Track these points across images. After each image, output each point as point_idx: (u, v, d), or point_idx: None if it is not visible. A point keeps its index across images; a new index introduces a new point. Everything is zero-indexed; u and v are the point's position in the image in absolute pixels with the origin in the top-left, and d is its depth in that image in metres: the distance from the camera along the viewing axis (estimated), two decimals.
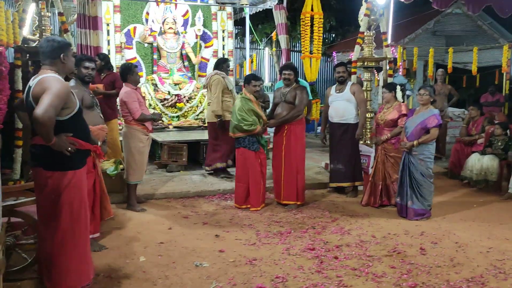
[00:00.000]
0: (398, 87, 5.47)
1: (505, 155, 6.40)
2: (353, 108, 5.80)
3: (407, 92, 8.80)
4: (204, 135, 7.63)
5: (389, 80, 6.88)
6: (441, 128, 8.39)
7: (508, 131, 6.59)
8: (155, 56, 9.49)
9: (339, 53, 13.24)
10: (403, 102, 5.62)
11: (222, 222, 4.95)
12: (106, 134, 4.35)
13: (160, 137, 7.30)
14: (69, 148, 2.91)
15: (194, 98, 9.08)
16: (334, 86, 6.05)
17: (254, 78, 5.52)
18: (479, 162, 6.41)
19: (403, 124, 5.32)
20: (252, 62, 11.83)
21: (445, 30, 11.77)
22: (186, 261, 3.82)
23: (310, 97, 6.79)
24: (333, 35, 15.75)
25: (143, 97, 5.38)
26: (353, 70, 6.71)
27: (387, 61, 7.10)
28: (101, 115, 4.36)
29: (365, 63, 6.68)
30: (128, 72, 5.19)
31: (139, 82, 5.32)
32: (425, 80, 13.85)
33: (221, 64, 6.71)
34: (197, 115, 9.02)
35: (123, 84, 5.24)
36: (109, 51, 9.11)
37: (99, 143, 4.09)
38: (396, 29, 11.00)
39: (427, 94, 5.03)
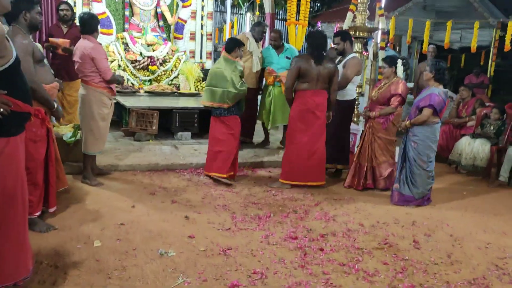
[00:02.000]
0: (400, 62, 4.95)
1: (497, 139, 6.06)
2: None
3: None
4: (178, 102, 7.01)
5: (381, 53, 6.37)
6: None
7: (504, 116, 6.23)
8: (127, 13, 8.64)
9: (324, 24, 12.62)
10: (404, 79, 5.10)
11: (193, 201, 4.42)
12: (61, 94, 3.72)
13: (128, 102, 6.62)
14: (1, 110, 2.28)
15: (169, 62, 8.36)
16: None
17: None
18: (470, 146, 6.04)
19: (396, 105, 4.86)
20: (232, 27, 11.09)
21: (435, 5, 11.28)
22: (149, 248, 3.30)
23: None
24: (318, 4, 15.07)
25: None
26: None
27: (379, 32, 6.57)
28: (52, 71, 3.69)
29: (357, 32, 6.13)
30: (97, 22, 4.47)
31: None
32: (409, 56, 13.45)
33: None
34: (171, 80, 8.33)
35: (83, 36, 4.50)
36: (75, 3, 8.21)
37: (55, 104, 3.49)
38: (386, 1, 10.44)
39: (426, 70, 4.54)
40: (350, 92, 5.29)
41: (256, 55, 6.14)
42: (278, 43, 6.16)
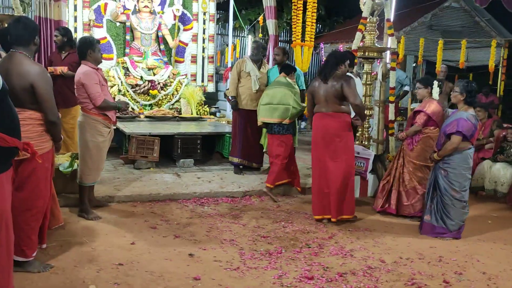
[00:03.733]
0: (436, 83, 4.64)
1: None
2: None
3: (405, 88, 8.06)
4: (179, 128, 6.72)
5: (392, 74, 6.09)
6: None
7: None
8: (127, 37, 8.48)
9: (327, 45, 12.45)
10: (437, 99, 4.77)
11: (197, 235, 4.07)
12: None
13: (128, 127, 6.35)
14: None
15: (170, 86, 8.14)
16: None
17: None
18: (490, 170, 5.72)
19: (419, 123, 4.57)
20: (234, 49, 10.91)
21: (442, 24, 11.12)
22: None
23: (304, 87, 5.99)
24: (320, 25, 14.94)
25: (106, 81, 4.42)
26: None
27: (389, 52, 6.31)
28: None
29: (367, 53, 5.87)
30: (89, 47, 4.22)
31: (101, 62, 4.37)
32: (414, 77, 13.24)
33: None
34: (172, 104, 8.09)
35: (81, 62, 4.27)
36: (75, 28, 8.08)
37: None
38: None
39: (456, 91, 4.23)
40: None
41: (254, 75, 5.92)
42: (281, 59, 5.97)
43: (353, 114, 4.79)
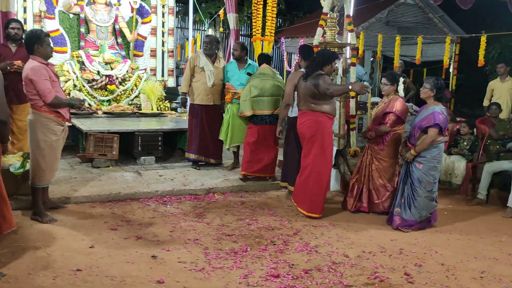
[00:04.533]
0: (401, 79, 4.71)
1: (472, 156, 5.96)
2: None
3: (365, 83, 8.18)
4: (140, 124, 6.55)
5: (352, 69, 6.16)
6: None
7: (474, 130, 6.15)
8: (82, 30, 8.13)
9: (288, 39, 12.47)
10: (403, 96, 4.86)
11: (160, 235, 3.97)
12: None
13: (85, 124, 6.11)
14: None
15: (129, 80, 7.89)
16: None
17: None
18: (445, 163, 5.91)
19: (389, 124, 4.62)
20: (195, 43, 10.74)
21: (398, 20, 11.39)
22: None
23: None
24: (281, 20, 14.98)
25: (57, 76, 4.20)
26: None
27: (349, 47, 6.38)
28: None
29: (328, 48, 5.90)
30: (36, 41, 3.99)
31: (51, 56, 4.15)
32: (372, 71, 13.52)
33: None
34: (132, 100, 7.85)
35: (29, 57, 4.04)
36: (25, 20, 7.65)
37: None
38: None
39: (427, 88, 4.31)
40: (296, 109, 5.01)
41: (208, 70, 5.84)
42: (239, 55, 5.89)
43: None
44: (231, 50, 5.95)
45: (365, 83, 8.20)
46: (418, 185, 4.32)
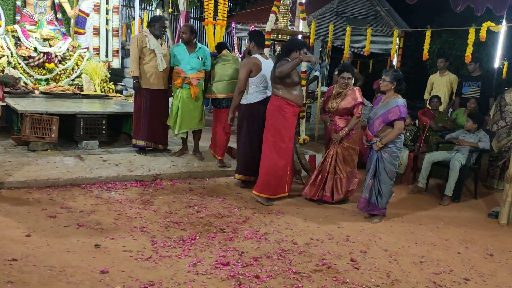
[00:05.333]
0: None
1: (414, 146, 6.20)
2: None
3: (316, 73, 8.28)
4: (82, 106, 6.21)
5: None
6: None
7: (416, 121, 6.39)
8: (18, 3, 7.61)
9: (239, 25, 12.34)
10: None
11: (104, 223, 3.80)
12: None
13: (21, 105, 5.72)
14: None
15: (69, 59, 7.50)
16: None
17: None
18: None
19: (360, 113, 4.72)
20: (142, 23, 10.34)
21: (347, 11, 11.58)
22: None
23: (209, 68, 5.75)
24: (232, 4, 14.77)
25: None
26: (266, 42, 5.86)
27: (301, 36, 6.39)
28: None
29: (280, 35, 5.89)
30: None
31: None
32: (321, 61, 13.71)
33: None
34: (73, 80, 7.47)
35: None
36: None
37: None
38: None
39: (387, 80, 4.36)
40: (251, 96, 4.95)
41: (159, 53, 5.54)
42: (188, 38, 5.60)
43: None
44: (180, 33, 5.69)
45: (316, 72, 8.30)
46: (384, 173, 4.39)
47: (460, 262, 3.68)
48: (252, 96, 4.94)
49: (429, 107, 7.19)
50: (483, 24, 6.27)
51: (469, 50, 6.70)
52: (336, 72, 5.89)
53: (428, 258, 3.69)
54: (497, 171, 6.08)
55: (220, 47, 5.80)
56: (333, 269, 3.31)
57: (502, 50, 8.86)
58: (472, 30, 6.62)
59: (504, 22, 7.20)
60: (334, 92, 4.91)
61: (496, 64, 9.63)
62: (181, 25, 7.90)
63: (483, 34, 6.27)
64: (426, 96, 8.00)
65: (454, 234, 4.34)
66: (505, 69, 10.39)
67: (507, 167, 4.88)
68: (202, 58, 5.60)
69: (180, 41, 5.80)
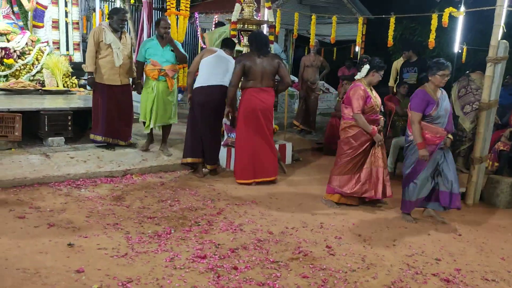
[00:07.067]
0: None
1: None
2: None
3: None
4: (44, 102, 6.02)
5: (271, 47, 6.18)
6: (312, 101, 8.24)
7: (382, 107, 6.52)
8: None
9: (202, 15, 12.19)
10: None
11: (76, 221, 3.72)
12: None
13: None
14: None
15: (29, 54, 7.24)
16: None
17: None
18: None
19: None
20: (103, 15, 10.06)
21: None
22: None
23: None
24: None
25: None
26: (232, 32, 5.84)
27: (267, 25, 6.41)
28: None
29: (246, 25, 5.87)
30: None
31: None
32: (285, 49, 13.76)
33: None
34: (33, 75, 7.22)
35: None
36: None
37: None
38: None
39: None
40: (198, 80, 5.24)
41: (116, 48, 5.41)
42: (166, 32, 5.52)
43: None
44: (159, 29, 5.50)
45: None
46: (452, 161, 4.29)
47: (431, 243, 3.82)
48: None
49: (398, 92, 7.34)
50: (445, 10, 6.44)
51: (432, 36, 6.88)
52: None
53: (400, 241, 3.81)
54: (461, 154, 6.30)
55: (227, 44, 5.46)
56: (309, 257, 3.38)
57: (460, 35, 9.19)
58: (434, 16, 6.79)
59: (462, 8, 7.44)
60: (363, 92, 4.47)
61: (456, 48, 9.96)
62: (147, 16, 7.77)
63: (445, 19, 6.44)
64: (391, 82, 8.17)
65: (423, 216, 4.49)
66: (464, 53, 10.76)
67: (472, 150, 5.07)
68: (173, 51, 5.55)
69: (156, 34, 5.59)
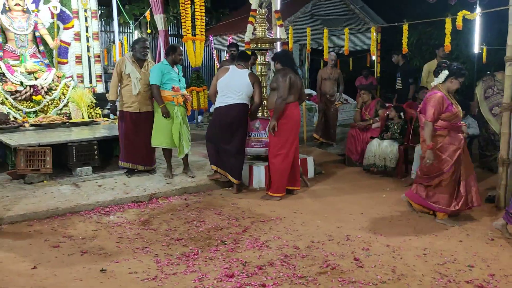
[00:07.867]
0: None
1: (402, 139, 6.31)
2: None
3: None
4: (72, 134, 6.25)
5: None
6: (332, 113, 8.25)
7: (402, 114, 6.50)
8: None
9: (216, 37, 12.44)
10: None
11: (107, 247, 3.84)
12: None
13: (13, 139, 5.74)
14: None
15: (55, 89, 7.51)
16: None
17: None
18: (379, 147, 6.23)
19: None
20: (122, 46, 10.40)
21: (322, 13, 11.73)
22: None
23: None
24: (207, 18, 14.91)
25: None
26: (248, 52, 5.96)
27: (280, 42, 6.52)
28: None
29: (259, 44, 5.99)
30: None
31: None
32: (301, 64, 13.85)
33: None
34: (60, 109, 7.49)
35: None
36: None
37: None
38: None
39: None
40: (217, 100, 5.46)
41: (134, 77, 5.57)
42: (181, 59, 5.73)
43: None
44: (177, 55, 5.55)
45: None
46: None
47: (463, 250, 3.75)
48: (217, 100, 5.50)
49: (418, 98, 7.24)
50: (458, 13, 6.41)
51: (448, 39, 6.84)
52: None
53: (431, 249, 3.76)
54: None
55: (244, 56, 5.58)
56: (337, 270, 3.38)
57: (479, 36, 9.08)
58: (448, 20, 6.76)
59: (478, 9, 7.38)
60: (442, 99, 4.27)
61: (476, 49, 9.83)
62: (164, 44, 8.00)
63: (459, 22, 6.40)
64: (424, 83, 7.94)
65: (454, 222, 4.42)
66: (484, 54, 10.60)
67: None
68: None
69: (169, 61, 5.68)
